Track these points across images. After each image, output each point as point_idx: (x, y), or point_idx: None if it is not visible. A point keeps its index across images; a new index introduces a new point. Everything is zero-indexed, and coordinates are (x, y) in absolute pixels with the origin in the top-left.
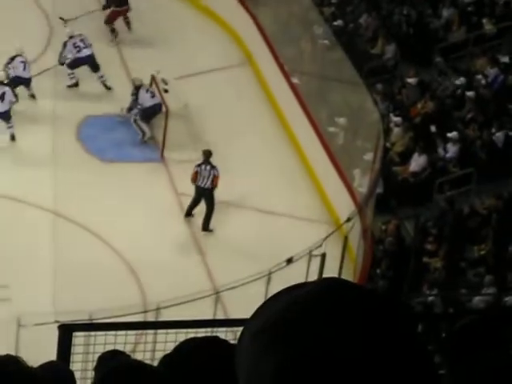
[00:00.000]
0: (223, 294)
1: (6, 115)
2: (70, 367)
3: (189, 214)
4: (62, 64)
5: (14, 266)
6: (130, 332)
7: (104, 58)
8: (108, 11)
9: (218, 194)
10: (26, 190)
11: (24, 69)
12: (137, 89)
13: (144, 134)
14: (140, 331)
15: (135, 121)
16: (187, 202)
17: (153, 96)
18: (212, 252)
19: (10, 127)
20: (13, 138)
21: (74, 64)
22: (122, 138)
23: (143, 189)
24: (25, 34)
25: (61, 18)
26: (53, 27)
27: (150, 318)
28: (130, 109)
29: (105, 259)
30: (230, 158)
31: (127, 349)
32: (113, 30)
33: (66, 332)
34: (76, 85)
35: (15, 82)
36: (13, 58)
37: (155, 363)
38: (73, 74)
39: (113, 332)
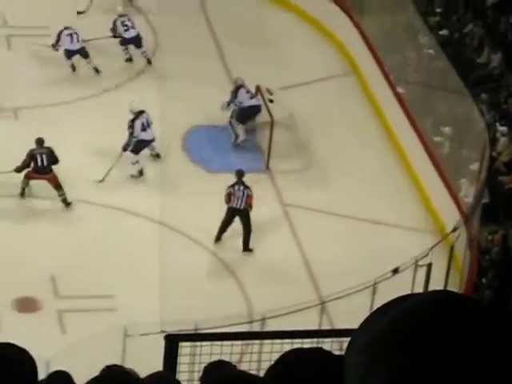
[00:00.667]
0: (329, 304)
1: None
2: (177, 377)
3: (219, 238)
4: (115, 37)
5: (121, 276)
6: (235, 342)
7: (209, 70)
8: None
9: (325, 203)
10: (133, 200)
11: (71, 41)
12: (237, 88)
13: (237, 136)
14: (246, 341)
15: (230, 122)
16: (293, 212)
17: (252, 97)
18: (318, 262)
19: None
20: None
21: (124, 42)
22: (227, 148)
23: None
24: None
25: (79, 12)
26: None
27: (256, 328)
28: (228, 103)
29: (211, 268)
30: (334, 167)
31: (233, 359)
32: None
33: (172, 342)
34: (130, 59)
35: (68, 54)
36: (59, 34)
37: (261, 374)
38: (127, 49)
39: (219, 342)
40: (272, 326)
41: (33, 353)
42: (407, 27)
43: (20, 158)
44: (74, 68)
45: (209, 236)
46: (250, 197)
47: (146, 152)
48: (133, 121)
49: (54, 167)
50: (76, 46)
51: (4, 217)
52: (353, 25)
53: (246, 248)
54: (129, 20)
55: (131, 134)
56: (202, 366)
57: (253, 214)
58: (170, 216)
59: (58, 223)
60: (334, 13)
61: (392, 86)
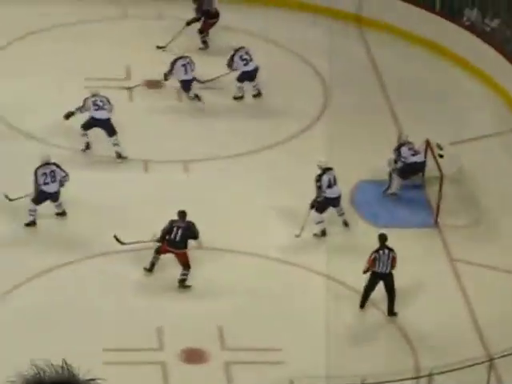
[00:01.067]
0: (497, 361)
1: None
2: None
3: (363, 305)
4: (233, 70)
5: (289, 329)
6: None
7: (378, 124)
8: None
9: (495, 259)
10: (299, 252)
11: (186, 72)
12: (400, 145)
13: (389, 188)
14: None
15: (390, 173)
16: (462, 268)
17: (414, 154)
18: (487, 318)
19: None
20: None
21: (242, 77)
22: (395, 203)
23: (417, 254)
24: None
25: (158, 47)
26: None
27: (423, 383)
28: (395, 161)
29: (376, 323)
30: (504, 223)
31: None
32: (204, 42)
33: None
34: (241, 97)
35: (184, 85)
36: (173, 63)
37: None
38: (242, 86)
39: None
40: (439, 382)
41: None
42: None
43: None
44: (198, 97)
45: (377, 292)
46: (394, 259)
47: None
48: (320, 176)
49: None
50: (189, 76)
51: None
52: None
53: (391, 312)
54: (246, 53)
55: (319, 188)
56: None
57: (422, 269)
58: (338, 269)
59: (226, 273)
60: (505, 67)
61: None
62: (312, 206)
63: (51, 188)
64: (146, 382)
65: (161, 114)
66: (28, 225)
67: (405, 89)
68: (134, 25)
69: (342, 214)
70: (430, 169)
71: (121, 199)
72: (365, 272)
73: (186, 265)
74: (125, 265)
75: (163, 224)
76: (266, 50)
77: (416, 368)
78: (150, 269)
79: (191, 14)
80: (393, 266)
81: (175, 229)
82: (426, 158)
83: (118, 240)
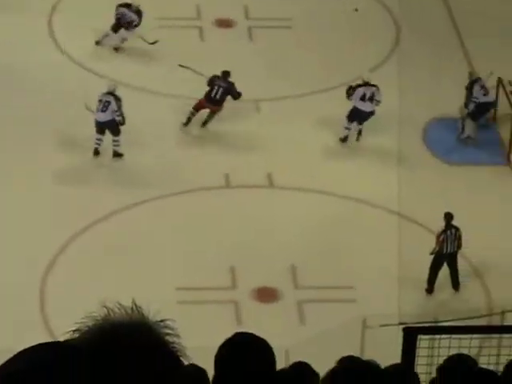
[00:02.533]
0: None
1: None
2: (415, 370)
3: (431, 289)
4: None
5: (361, 267)
6: (474, 336)
7: (449, 61)
8: None
9: None
10: (372, 190)
11: (364, 101)
12: (471, 83)
13: (463, 132)
14: (485, 335)
15: (462, 118)
16: None
17: (485, 94)
18: None
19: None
20: (358, 136)
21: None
22: (467, 141)
23: (489, 192)
24: None
25: (180, 65)
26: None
27: (495, 321)
28: (466, 104)
29: (460, 263)
30: None
31: (472, 353)
32: None
33: (411, 335)
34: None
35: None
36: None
37: (500, 368)
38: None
39: (457, 335)
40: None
41: (272, 342)
42: None
43: None
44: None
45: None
46: (460, 238)
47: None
48: (356, 87)
49: None
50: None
51: (245, 205)
52: None
53: (456, 286)
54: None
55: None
56: (441, 359)
57: (494, 207)
58: (410, 208)
59: (297, 210)
60: None
61: None
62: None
63: (100, 117)
64: (218, 321)
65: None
66: (94, 154)
67: (476, 24)
68: None
69: (359, 131)
70: (503, 107)
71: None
72: (432, 253)
73: (212, 113)
74: (196, 204)
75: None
76: None
77: (488, 307)
78: (186, 123)
79: None
80: (459, 246)
81: (216, 87)
82: (497, 96)
83: (183, 66)
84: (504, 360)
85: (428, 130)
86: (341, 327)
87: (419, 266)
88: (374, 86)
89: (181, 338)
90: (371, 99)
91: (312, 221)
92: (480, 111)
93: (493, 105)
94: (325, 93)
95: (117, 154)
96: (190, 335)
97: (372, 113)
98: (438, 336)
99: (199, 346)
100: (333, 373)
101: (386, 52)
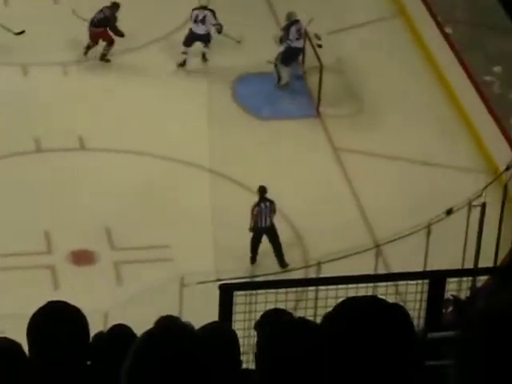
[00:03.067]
0: (384, 247)
1: (206, 38)
2: (232, 326)
3: (254, 259)
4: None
5: (175, 226)
6: (290, 289)
7: (255, 15)
8: None
9: (377, 145)
10: (183, 149)
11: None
12: (290, 24)
13: (280, 78)
14: (301, 288)
15: (275, 64)
16: (344, 156)
17: (298, 38)
18: (370, 206)
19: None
20: (204, 58)
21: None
22: (277, 95)
23: (300, 144)
24: None
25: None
26: None
27: (311, 273)
28: (280, 40)
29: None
30: (384, 110)
31: (288, 306)
32: None
33: (227, 291)
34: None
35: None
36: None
37: (318, 320)
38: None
39: (274, 290)
40: (327, 271)
41: (90, 305)
42: None
43: None
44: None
45: (262, 182)
46: (274, 212)
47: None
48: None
49: None
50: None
51: (57, 169)
52: None
53: (282, 263)
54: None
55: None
56: (258, 314)
57: (306, 160)
58: (222, 164)
59: (111, 172)
60: None
61: (440, 27)
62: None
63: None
64: (35, 286)
65: None
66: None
67: None
68: None
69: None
70: (310, 59)
71: None
72: (251, 229)
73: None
74: (8, 170)
75: None
76: None
77: (304, 259)
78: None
79: None
80: (272, 218)
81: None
82: (304, 46)
83: None
84: (321, 312)
85: (237, 85)
86: (158, 287)
87: (234, 223)
88: (207, 9)
89: None
90: (203, 21)
91: (125, 182)
92: (290, 56)
93: (301, 51)
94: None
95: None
96: (6, 302)
97: (206, 35)
98: (254, 292)
99: (16, 313)
100: (149, 334)
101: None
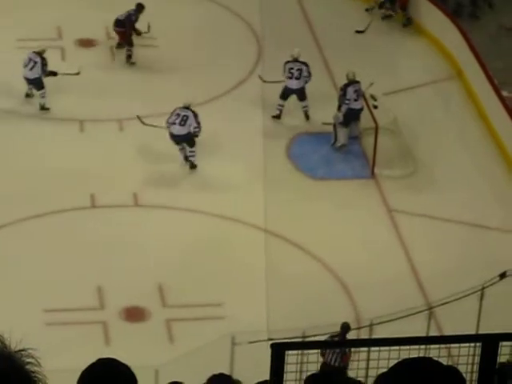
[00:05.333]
0: (436, 309)
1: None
2: None
3: None
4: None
5: (229, 284)
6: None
7: (313, 77)
8: None
9: (431, 207)
10: (239, 208)
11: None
12: (347, 85)
13: (336, 140)
14: (353, 348)
15: (334, 125)
16: (399, 218)
17: (357, 99)
18: (425, 267)
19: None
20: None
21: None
22: (331, 155)
23: (355, 205)
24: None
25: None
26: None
27: (363, 334)
28: (339, 106)
29: (316, 275)
30: (439, 172)
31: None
32: None
33: (279, 350)
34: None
35: None
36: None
37: (369, 381)
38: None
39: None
40: (380, 332)
41: (141, 362)
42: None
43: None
44: None
45: (315, 242)
46: (346, 355)
47: None
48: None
49: None
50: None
51: (111, 224)
52: (456, 28)
53: None
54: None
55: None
56: (310, 373)
57: (360, 220)
58: (276, 223)
59: (164, 229)
60: (437, 17)
61: (496, 90)
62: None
63: (175, 129)
64: (87, 342)
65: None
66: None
67: (338, 41)
68: None
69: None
70: (366, 120)
71: None
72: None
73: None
74: (61, 225)
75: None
76: (198, 5)
77: (357, 319)
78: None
79: None
80: (343, 361)
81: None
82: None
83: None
84: (373, 373)
85: (292, 144)
86: (210, 345)
87: (287, 281)
88: (303, 62)
89: (42, 367)
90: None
91: (179, 239)
92: (350, 117)
93: (360, 112)
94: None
95: (193, 166)
96: (58, 357)
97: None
98: (306, 351)
99: (68, 367)
100: None
101: (250, 66)
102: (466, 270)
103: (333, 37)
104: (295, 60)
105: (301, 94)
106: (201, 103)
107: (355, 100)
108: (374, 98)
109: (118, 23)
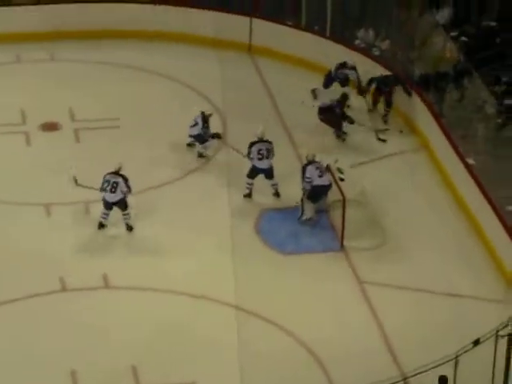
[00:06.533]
0: (411, 379)
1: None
2: None
3: None
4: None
5: (201, 361)
6: None
7: (273, 137)
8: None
9: (401, 277)
10: (208, 285)
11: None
12: (306, 164)
13: (303, 213)
14: None
15: (301, 199)
16: (370, 289)
17: (320, 176)
18: (398, 338)
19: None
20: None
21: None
22: (299, 230)
23: (325, 278)
24: None
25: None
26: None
27: None
28: (303, 187)
29: (289, 350)
30: (408, 241)
31: None
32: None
33: None
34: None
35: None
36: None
37: None
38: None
39: None
40: None
41: None
42: (473, 98)
43: None
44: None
45: (287, 317)
46: None
47: None
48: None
49: None
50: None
51: (78, 310)
52: (420, 100)
53: None
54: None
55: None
56: None
57: (331, 293)
58: (247, 299)
59: (135, 310)
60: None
61: (462, 158)
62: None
63: (108, 197)
64: None
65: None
66: (100, 226)
67: (301, 114)
68: (27, 68)
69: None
70: (333, 192)
71: None
72: None
73: None
74: (28, 311)
75: None
76: (159, 83)
77: None
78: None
79: (82, 55)
80: None
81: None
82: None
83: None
84: None
85: (260, 220)
86: None
87: (260, 358)
88: (269, 142)
89: None
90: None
91: (149, 320)
92: (317, 193)
93: (328, 188)
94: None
95: (129, 227)
96: None
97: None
98: None
99: None
100: None
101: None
102: (439, 339)
103: (295, 110)
104: (261, 140)
105: (270, 173)
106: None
107: (320, 176)
108: (340, 170)
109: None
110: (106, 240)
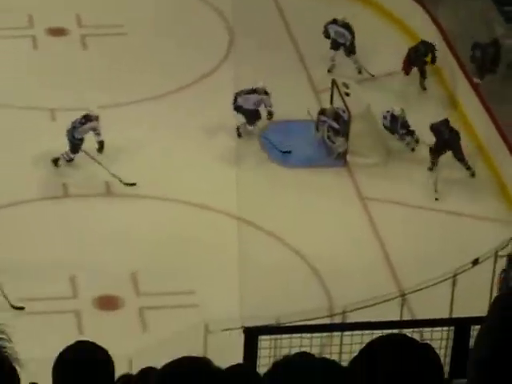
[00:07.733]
0: (409, 296)
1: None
2: (257, 370)
3: None
4: None
5: (201, 271)
6: (315, 334)
7: (284, 64)
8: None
9: (404, 195)
10: (210, 196)
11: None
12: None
13: (318, 131)
14: (326, 333)
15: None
16: (372, 206)
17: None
18: (397, 254)
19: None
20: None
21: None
22: (305, 143)
23: (328, 194)
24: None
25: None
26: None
27: (337, 321)
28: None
29: (289, 263)
30: (412, 161)
31: (313, 351)
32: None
33: (252, 335)
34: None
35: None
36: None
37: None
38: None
39: (298, 335)
40: (353, 319)
41: (114, 351)
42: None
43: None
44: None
45: (288, 230)
46: None
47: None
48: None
49: None
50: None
51: (80, 216)
52: (428, 16)
53: None
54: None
55: None
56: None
57: (332, 208)
58: (248, 211)
59: (136, 218)
60: (408, 4)
61: (469, 78)
62: None
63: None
64: (60, 331)
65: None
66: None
67: (309, 28)
68: None
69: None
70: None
71: None
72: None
73: None
74: (33, 214)
75: None
76: None
77: (330, 307)
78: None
79: None
80: None
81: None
82: (332, 97)
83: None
84: (346, 357)
85: (265, 133)
86: (183, 333)
87: (260, 269)
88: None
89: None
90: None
91: (151, 228)
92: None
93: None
94: (160, 98)
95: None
96: (31, 346)
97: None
98: (279, 336)
99: (40, 357)
100: (171, 367)
101: (221, 55)
102: (438, 257)
103: (303, 23)
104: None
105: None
106: (172, 91)
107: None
108: (346, 86)
109: None
110: (108, 149)
